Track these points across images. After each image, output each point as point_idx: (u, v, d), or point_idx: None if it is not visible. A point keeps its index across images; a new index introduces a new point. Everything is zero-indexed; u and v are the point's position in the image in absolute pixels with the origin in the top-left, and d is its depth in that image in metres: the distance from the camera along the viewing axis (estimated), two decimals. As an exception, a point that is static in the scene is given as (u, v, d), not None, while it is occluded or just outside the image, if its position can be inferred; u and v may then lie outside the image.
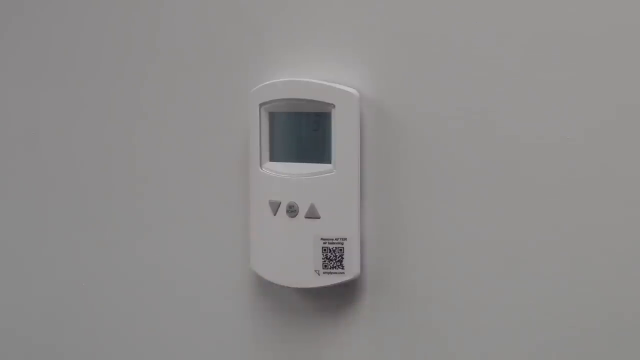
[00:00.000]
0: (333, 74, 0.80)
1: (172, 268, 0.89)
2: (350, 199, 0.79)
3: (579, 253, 0.74)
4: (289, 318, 0.85)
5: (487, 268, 0.77)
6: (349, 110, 0.78)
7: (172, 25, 0.86)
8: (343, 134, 0.78)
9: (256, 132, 0.81)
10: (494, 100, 0.75)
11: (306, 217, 0.79)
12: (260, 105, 0.80)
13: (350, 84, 0.79)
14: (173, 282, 0.89)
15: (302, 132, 0.80)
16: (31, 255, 0.96)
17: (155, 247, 0.90)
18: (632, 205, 0.72)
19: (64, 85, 0.92)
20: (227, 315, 0.87)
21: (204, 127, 0.86)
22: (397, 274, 0.80)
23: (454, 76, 0.76)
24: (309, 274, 0.80)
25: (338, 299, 0.82)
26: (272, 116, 0.81)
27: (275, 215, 0.80)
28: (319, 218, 0.79)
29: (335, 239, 0.79)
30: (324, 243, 0.79)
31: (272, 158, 0.81)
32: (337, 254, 0.79)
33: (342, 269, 0.79)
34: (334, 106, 0.78)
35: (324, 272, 0.79)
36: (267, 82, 0.80)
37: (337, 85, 0.79)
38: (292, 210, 0.79)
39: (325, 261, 0.79)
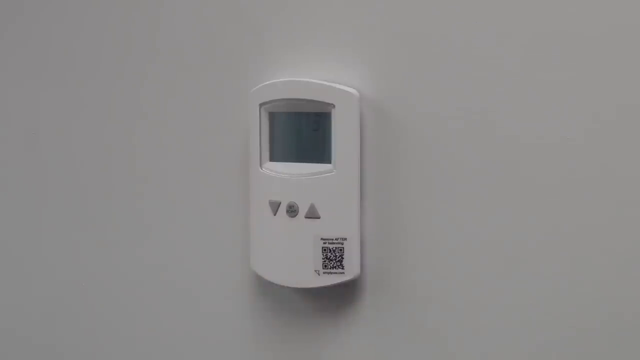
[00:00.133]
0: (333, 74, 0.80)
1: (172, 268, 0.89)
2: (350, 199, 0.79)
3: (579, 253, 0.74)
4: (289, 318, 0.85)
5: (487, 268, 0.77)
6: (349, 110, 0.78)
7: (172, 25, 0.86)
8: (343, 134, 0.78)
9: (256, 132, 0.81)
10: (494, 100, 0.75)
11: (306, 217, 0.79)
12: (260, 105, 0.80)
13: (350, 84, 0.79)
14: (173, 282, 0.89)
15: (302, 132, 0.80)
16: (31, 255, 0.96)
17: (155, 247, 0.90)
18: (632, 205, 0.72)
19: (64, 85, 0.92)
20: (227, 315, 0.87)
21: (204, 127, 0.86)
22: (397, 274, 0.80)
23: (454, 76, 0.76)
24: (309, 274, 0.80)
25: (338, 299, 0.82)
26: (272, 116, 0.81)
27: (275, 215, 0.80)
28: (319, 218, 0.79)
29: (335, 239, 0.79)
30: (324, 243, 0.79)
31: (272, 158, 0.81)
32: (337, 254, 0.79)
33: (342, 269, 0.79)
34: (334, 106, 0.78)
35: (324, 272, 0.79)
36: (267, 82, 0.80)
37: (337, 85, 0.79)
38: (292, 210, 0.79)
39: (325, 261, 0.79)
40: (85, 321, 0.94)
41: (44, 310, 0.96)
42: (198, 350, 0.89)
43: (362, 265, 0.80)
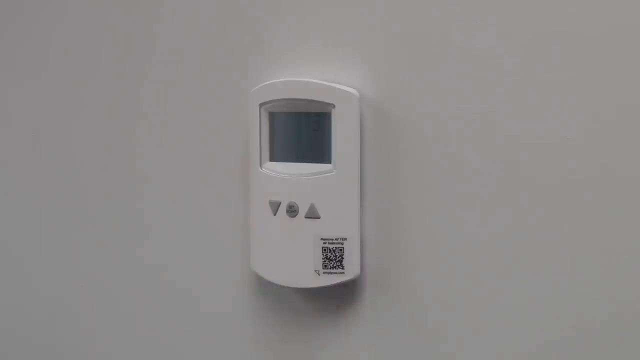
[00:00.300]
0: (333, 74, 0.80)
1: (172, 268, 0.89)
2: (350, 199, 0.79)
3: (579, 253, 0.74)
4: (289, 318, 0.85)
5: (487, 268, 0.77)
6: (349, 110, 0.78)
7: (173, 25, 0.86)
8: (343, 134, 0.78)
9: (256, 132, 0.81)
10: (494, 100, 0.75)
11: (306, 217, 0.79)
12: (260, 105, 0.80)
13: (350, 84, 0.79)
14: (173, 282, 0.89)
15: (302, 132, 0.80)
16: (31, 255, 0.96)
17: (155, 247, 0.90)
18: (632, 205, 0.72)
19: (64, 85, 0.92)
20: (227, 315, 0.87)
21: (204, 127, 0.86)
22: (397, 274, 0.80)
23: (454, 76, 0.76)
24: (309, 274, 0.80)
25: (338, 299, 0.82)
26: (272, 116, 0.81)
27: (275, 215, 0.80)
28: (319, 218, 0.79)
29: (335, 239, 0.79)
30: (324, 243, 0.79)
31: (272, 158, 0.81)
32: (337, 254, 0.79)
33: (342, 269, 0.79)
34: (334, 106, 0.78)
35: (324, 272, 0.79)
36: (267, 82, 0.80)
37: (337, 85, 0.79)
38: (292, 210, 0.79)
39: (325, 261, 0.79)
40: (86, 321, 0.94)
41: (44, 311, 0.96)
42: (198, 350, 0.89)
43: (362, 265, 0.80)
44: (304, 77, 0.80)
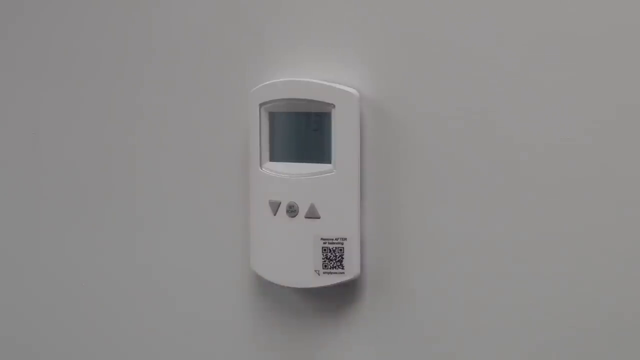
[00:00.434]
0: (333, 74, 0.80)
1: (172, 268, 0.89)
2: (350, 199, 0.79)
3: (579, 253, 0.74)
4: (289, 318, 0.85)
5: (487, 268, 0.77)
6: (349, 110, 0.78)
7: (173, 25, 0.86)
8: (343, 134, 0.78)
9: (256, 132, 0.81)
10: (494, 100, 0.75)
11: (306, 217, 0.79)
12: (260, 105, 0.80)
13: (350, 84, 0.79)
14: (173, 282, 0.89)
15: (302, 132, 0.80)
16: (31, 255, 0.96)
17: (155, 247, 0.90)
18: (632, 205, 0.72)
19: (64, 85, 0.92)
20: (227, 315, 0.87)
21: (203, 127, 0.86)
22: (397, 274, 0.80)
23: (454, 76, 0.76)
24: (309, 274, 0.80)
25: (338, 299, 0.82)
26: (272, 116, 0.81)
27: (275, 215, 0.80)
28: (319, 218, 0.79)
29: (335, 239, 0.79)
30: (324, 243, 0.79)
31: (272, 158, 0.81)
32: (337, 254, 0.79)
33: (342, 269, 0.79)
34: (334, 106, 0.78)
35: (324, 272, 0.79)
36: (267, 82, 0.80)
37: (337, 85, 0.79)
38: (292, 210, 0.79)
39: (325, 261, 0.79)
40: (85, 321, 0.94)
41: (44, 311, 0.96)
42: (198, 350, 0.89)
43: (362, 265, 0.80)
44: (304, 77, 0.80)
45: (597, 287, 0.73)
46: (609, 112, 0.72)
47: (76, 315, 0.94)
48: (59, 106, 0.92)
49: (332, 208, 0.79)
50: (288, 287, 0.82)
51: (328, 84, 0.79)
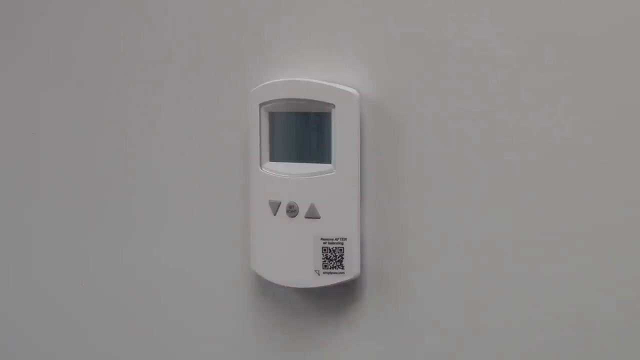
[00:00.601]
0: (333, 74, 0.80)
1: (172, 268, 0.89)
2: (350, 199, 0.79)
3: (579, 253, 0.74)
4: (289, 318, 0.85)
5: (487, 268, 0.77)
6: (349, 110, 0.78)
7: (173, 25, 0.86)
8: (343, 134, 0.78)
9: (256, 132, 0.81)
10: (494, 100, 0.75)
11: (306, 217, 0.79)
12: (260, 105, 0.80)
13: (350, 84, 0.79)
14: (173, 282, 0.89)
15: (302, 132, 0.80)
16: (31, 255, 0.96)
17: (155, 247, 0.90)
18: (632, 205, 0.72)
19: (64, 85, 0.92)
20: (227, 315, 0.87)
21: (204, 127, 0.86)
22: (397, 274, 0.80)
23: (454, 76, 0.76)
24: (309, 274, 0.80)
25: (338, 299, 0.82)
26: (272, 116, 0.81)
27: (275, 215, 0.80)
28: (319, 218, 0.79)
29: (335, 239, 0.79)
30: (324, 243, 0.79)
31: (272, 158, 0.81)
32: (337, 254, 0.79)
33: (342, 269, 0.79)
34: (334, 106, 0.78)
35: (324, 272, 0.79)
36: (267, 82, 0.80)
37: (337, 85, 0.79)
38: (292, 210, 0.79)
39: (325, 261, 0.79)
40: (85, 320, 0.94)
41: (45, 310, 0.96)
42: (198, 350, 0.89)
43: (362, 265, 0.80)
44: (304, 77, 0.80)
45: (597, 287, 0.73)
46: (609, 112, 0.72)
47: (76, 315, 0.94)
48: (59, 106, 0.92)
49: (332, 208, 0.79)
50: (288, 287, 0.82)
51: (328, 84, 0.79)
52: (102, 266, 0.92)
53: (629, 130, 0.71)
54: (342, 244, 0.79)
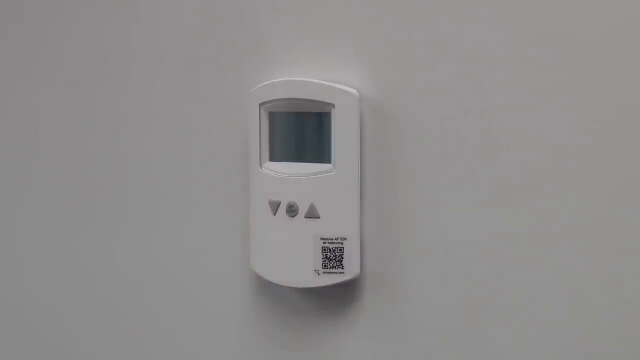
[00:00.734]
0: (333, 74, 0.80)
1: (172, 268, 0.89)
2: (350, 199, 0.79)
3: (579, 253, 0.74)
4: (289, 318, 0.85)
5: (487, 268, 0.77)
6: (349, 110, 0.78)
7: (173, 25, 0.86)
8: (343, 134, 0.78)
9: (256, 132, 0.81)
10: (493, 100, 0.75)
11: (306, 217, 0.79)
12: (260, 105, 0.80)
13: (350, 84, 0.79)
14: (173, 282, 0.89)
15: (302, 132, 0.80)
16: (31, 255, 0.96)
17: (155, 247, 0.90)
18: (632, 205, 0.72)
19: (64, 85, 0.92)
20: (227, 315, 0.87)
21: (203, 127, 0.86)
22: (397, 274, 0.80)
23: (453, 76, 0.76)
24: (309, 274, 0.80)
25: (338, 299, 0.82)
26: (272, 116, 0.81)
27: (275, 215, 0.80)
28: (319, 218, 0.79)
29: (335, 239, 0.79)
30: (324, 243, 0.79)
31: (272, 158, 0.81)
32: (337, 254, 0.79)
33: (342, 269, 0.79)
34: (334, 106, 0.78)
35: (324, 272, 0.79)
36: (267, 82, 0.80)
37: (337, 85, 0.79)
38: (292, 210, 0.79)
39: (325, 261, 0.79)
40: (85, 320, 0.94)
41: (44, 311, 0.96)
42: (198, 350, 0.89)
43: (362, 265, 0.80)
44: (304, 77, 0.80)
45: (597, 287, 0.73)
46: (609, 112, 0.72)
47: (76, 314, 0.94)
48: (59, 106, 0.92)
49: (332, 208, 0.79)
50: (288, 287, 0.82)
51: (328, 84, 0.79)
52: (102, 266, 0.92)
53: (629, 130, 0.71)
54: (342, 244, 0.79)
